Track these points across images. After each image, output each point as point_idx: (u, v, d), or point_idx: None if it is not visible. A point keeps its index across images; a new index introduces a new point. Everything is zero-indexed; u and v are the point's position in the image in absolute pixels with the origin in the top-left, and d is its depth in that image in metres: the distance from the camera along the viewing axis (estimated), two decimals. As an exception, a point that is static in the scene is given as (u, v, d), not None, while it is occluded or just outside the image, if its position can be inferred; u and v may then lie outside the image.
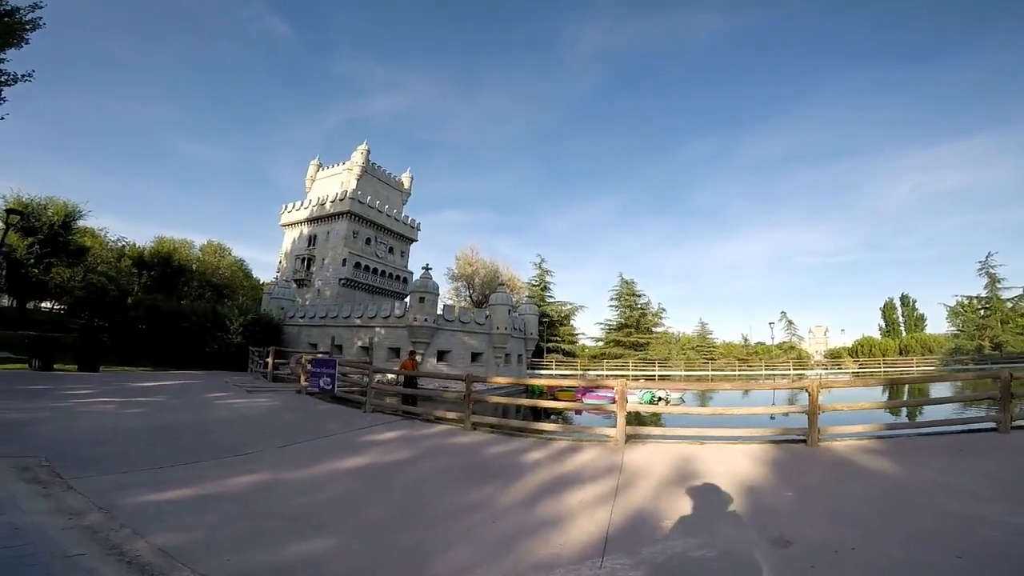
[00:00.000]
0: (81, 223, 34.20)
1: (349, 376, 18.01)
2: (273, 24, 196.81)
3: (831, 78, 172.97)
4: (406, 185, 51.80)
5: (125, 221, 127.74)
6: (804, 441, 7.05)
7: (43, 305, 38.52)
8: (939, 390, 24.76)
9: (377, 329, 26.90)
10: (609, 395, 19.23)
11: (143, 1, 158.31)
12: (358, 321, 27.95)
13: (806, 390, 7.23)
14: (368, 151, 45.96)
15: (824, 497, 4.72)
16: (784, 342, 74.23)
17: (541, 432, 8.76)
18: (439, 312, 25.57)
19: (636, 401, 19.90)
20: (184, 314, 29.27)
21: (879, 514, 4.14)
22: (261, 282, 57.91)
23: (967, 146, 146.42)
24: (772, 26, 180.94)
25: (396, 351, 25.98)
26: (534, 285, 53.35)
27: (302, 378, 14.54)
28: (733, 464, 6.02)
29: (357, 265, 40.55)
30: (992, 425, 7.09)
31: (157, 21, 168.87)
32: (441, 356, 25.57)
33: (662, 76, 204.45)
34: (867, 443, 6.82)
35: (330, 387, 13.53)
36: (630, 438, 7.80)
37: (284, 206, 47.05)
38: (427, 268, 25.96)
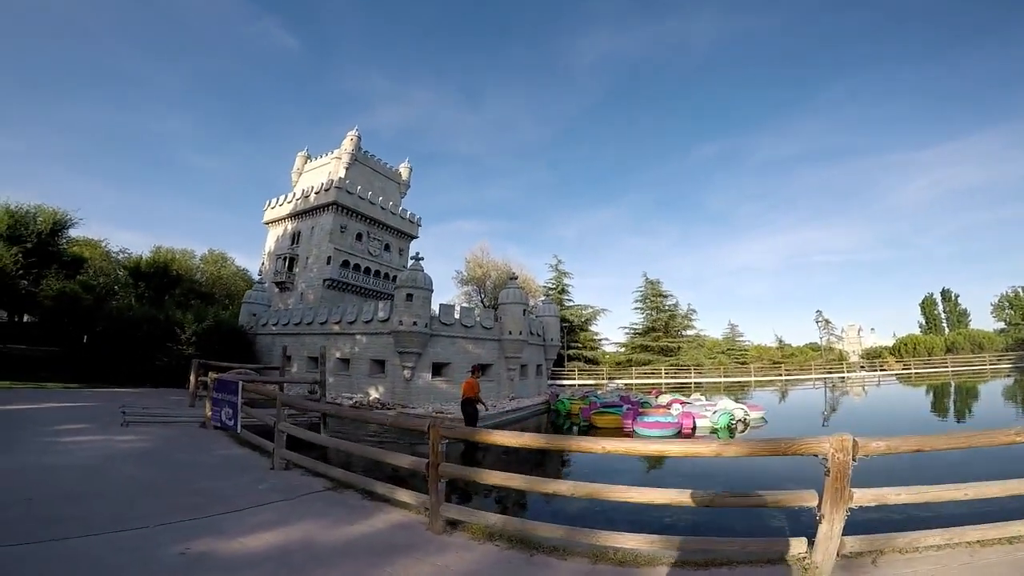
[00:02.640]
0: (78, 233, 33.23)
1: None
2: (281, 38, 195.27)
3: (837, 79, 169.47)
4: (404, 176, 46.49)
5: (139, 235, 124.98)
6: None
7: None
8: None
9: (358, 337, 21.40)
10: (672, 421, 13.48)
11: (154, 18, 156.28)
12: (336, 327, 22.49)
13: None
14: (359, 137, 40.78)
15: None
16: (815, 343, 67.92)
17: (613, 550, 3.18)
18: (433, 313, 19.99)
19: (710, 425, 14.17)
20: (137, 322, 25.02)
21: None
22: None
23: (979, 141, 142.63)
24: (776, 29, 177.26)
25: (380, 363, 20.43)
26: (551, 288, 47.57)
27: (207, 406, 10.55)
28: None
29: (345, 264, 35.18)
30: None
31: (168, 37, 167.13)
32: (438, 370, 19.99)
33: (667, 81, 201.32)
34: None
35: (232, 422, 9.13)
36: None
37: (268, 202, 41.97)
38: (417, 257, 20.42)
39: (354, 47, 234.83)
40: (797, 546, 3.77)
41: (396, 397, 19.07)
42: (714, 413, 14.32)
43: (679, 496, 3.79)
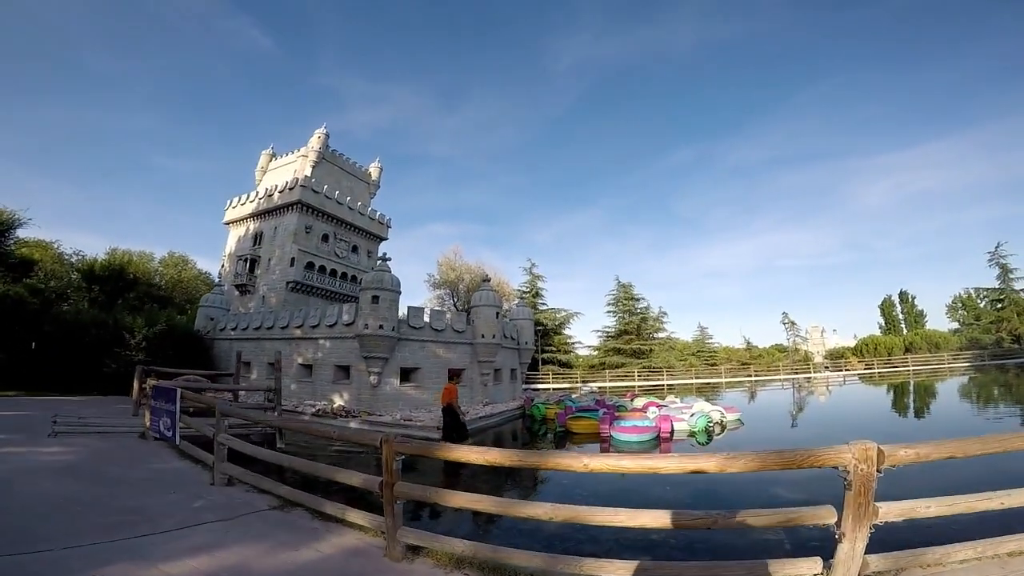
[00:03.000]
0: (28, 234, 31.80)
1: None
2: (254, 38, 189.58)
3: (807, 85, 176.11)
4: (374, 176, 45.22)
5: (99, 237, 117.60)
6: None
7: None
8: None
9: (321, 341, 20.30)
10: (650, 425, 13.06)
11: (121, 12, 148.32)
12: (298, 332, 21.31)
13: None
14: (327, 135, 39.39)
15: None
16: (781, 344, 69.60)
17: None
18: (402, 317, 19.12)
19: (687, 428, 13.81)
20: (84, 326, 23.76)
21: None
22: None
23: (941, 147, 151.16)
24: (750, 35, 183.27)
25: (345, 369, 19.41)
26: (525, 292, 46.98)
27: (146, 416, 9.83)
28: None
29: (310, 266, 33.76)
30: None
31: (135, 33, 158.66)
32: (407, 375, 19.11)
33: (644, 86, 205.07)
34: None
35: (170, 432, 8.49)
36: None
37: (229, 201, 40.08)
38: (384, 258, 19.50)
39: (329, 46, 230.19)
40: (810, 567, 3.27)
41: (362, 404, 18.12)
42: (691, 416, 13.97)
43: (676, 518, 3.22)
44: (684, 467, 3.05)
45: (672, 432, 12.99)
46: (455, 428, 12.23)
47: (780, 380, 44.46)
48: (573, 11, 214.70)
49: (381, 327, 17.77)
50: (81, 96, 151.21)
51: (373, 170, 45.43)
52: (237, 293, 34.65)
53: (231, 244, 38.73)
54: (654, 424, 12.99)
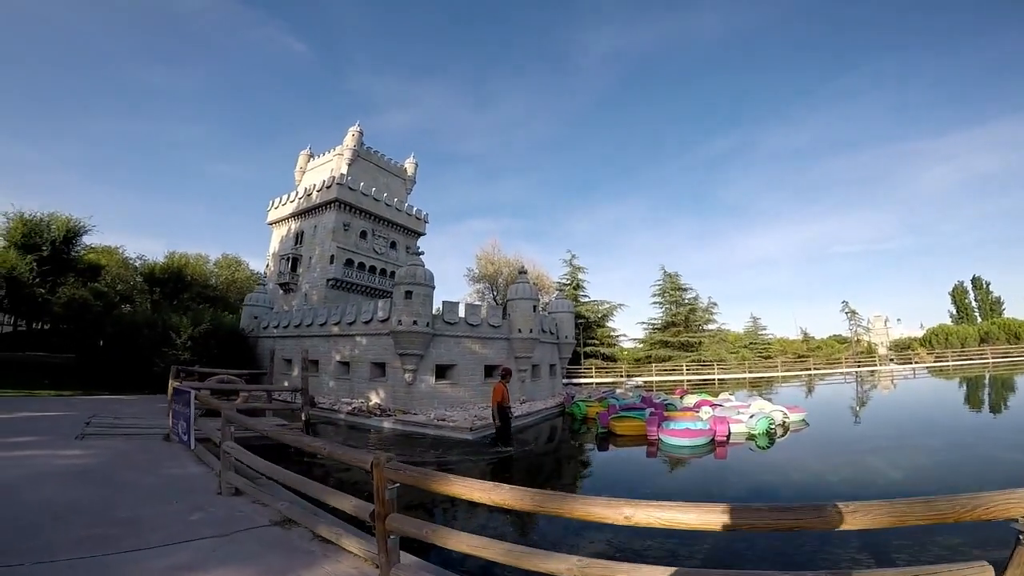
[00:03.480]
0: (95, 240, 33.43)
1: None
2: (288, 44, 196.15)
3: (852, 67, 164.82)
4: (409, 172, 45.13)
5: (159, 242, 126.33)
6: None
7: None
8: None
9: (358, 338, 20.04)
10: (704, 428, 11.80)
11: (156, 28, 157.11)
12: (335, 329, 21.16)
13: None
14: (361, 132, 39.53)
15: None
16: (839, 335, 64.93)
17: None
18: (436, 312, 18.51)
19: (746, 430, 12.44)
20: (138, 326, 24.32)
21: None
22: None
23: (998, 129, 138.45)
24: (787, 19, 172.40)
25: (381, 366, 19.03)
26: (565, 284, 45.75)
27: (169, 418, 9.60)
28: None
29: (349, 263, 33.92)
30: None
31: (173, 48, 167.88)
32: (442, 372, 18.52)
33: (678, 75, 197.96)
34: None
35: (187, 437, 8.16)
36: None
37: (271, 201, 41.02)
38: (417, 252, 18.98)
39: (361, 49, 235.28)
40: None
41: (397, 402, 17.67)
42: (750, 417, 12.53)
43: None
44: (780, 522, 2.04)
45: (729, 435, 11.65)
46: (505, 432, 11.45)
47: (842, 373, 41.33)
48: (597, 3, 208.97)
49: (415, 323, 17.22)
50: (135, 109, 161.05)
51: (408, 166, 45.33)
52: (281, 292, 35.35)
53: (274, 244, 39.60)
54: (708, 427, 11.69)
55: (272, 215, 40.28)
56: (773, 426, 12.65)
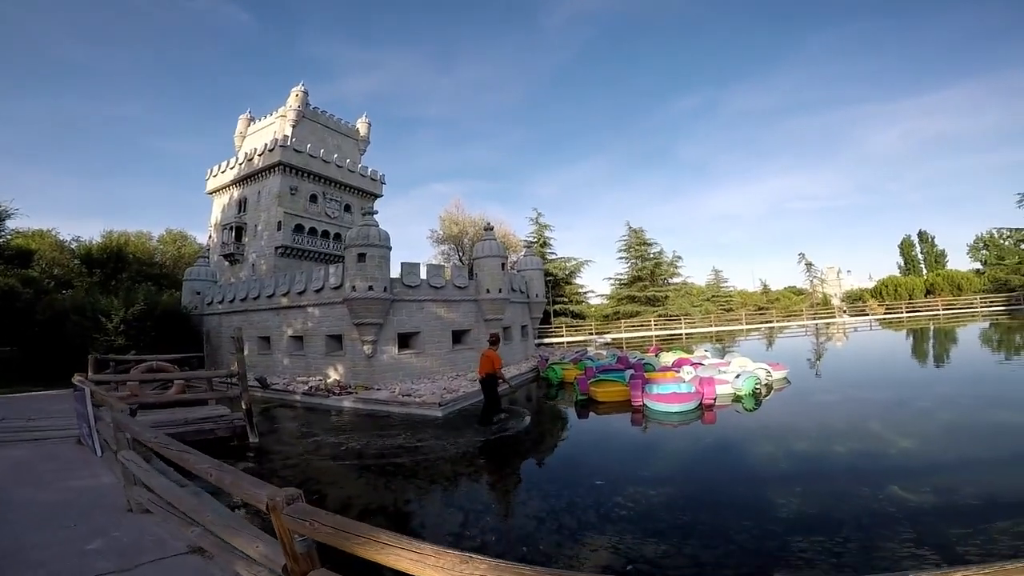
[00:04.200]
0: (21, 225, 31.68)
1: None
2: (231, 12, 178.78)
3: (816, 32, 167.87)
4: (362, 132, 41.91)
5: (106, 223, 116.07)
6: None
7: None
8: None
9: (310, 309, 18.28)
10: (691, 391, 10.99)
11: (88, 4, 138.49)
12: (285, 300, 19.26)
13: None
14: (306, 92, 35.89)
15: None
16: (794, 286, 66.76)
17: None
18: (394, 276, 16.91)
19: (731, 391, 11.75)
20: (65, 312, 22.11)
21: None
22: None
23: (952, 94, 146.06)
24: None
25: (338, 339, 17.44)
26: (532, 242, 44.54)
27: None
28: None
29: (299, 229, 31.42)
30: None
31: (105, 23, 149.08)
32: (405, 341, 17.14)
33: (644, 35, 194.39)
34: None
35: (90, 441, 6.77)
36: None
37: (210, 169, 37.39)
38: (369, 211, 17.12)
39: (312, 14, 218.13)
40: None
41: (358, 377, 16.27)
42: (736, 377, 11.78)
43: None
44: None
45: (715, 397, 10.86)
46: (492, 408, 10.19)
47: (801, 325, 42.34)
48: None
49: (371, 288, 15.62)
50: (65, 88, 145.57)
51: (361, 126, 42.09)
52: (227, 264, 32.63)
53: (216, 214, 36.37)
54: (695, 389, 10.87)
55: (211, 184, 36.79)
56: (759, 386, 12.02)
